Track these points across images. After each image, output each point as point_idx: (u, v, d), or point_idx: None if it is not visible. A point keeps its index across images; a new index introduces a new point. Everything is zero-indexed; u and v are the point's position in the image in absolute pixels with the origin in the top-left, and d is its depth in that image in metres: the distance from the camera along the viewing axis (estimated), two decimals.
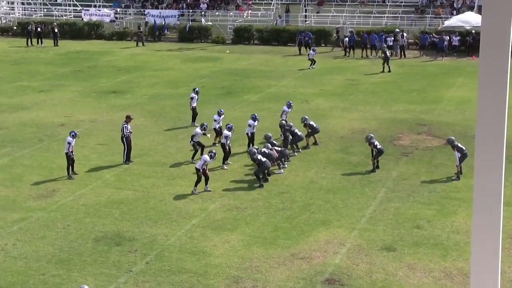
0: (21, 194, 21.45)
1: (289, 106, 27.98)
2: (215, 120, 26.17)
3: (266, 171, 22.38)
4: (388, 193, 21.29)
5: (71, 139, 22.58)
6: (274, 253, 17.27)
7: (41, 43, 53.44)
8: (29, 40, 53.46)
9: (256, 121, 25.70)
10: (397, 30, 47.10)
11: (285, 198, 21.04)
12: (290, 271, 16.31)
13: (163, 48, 51.40)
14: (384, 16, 53.51)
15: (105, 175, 23.00)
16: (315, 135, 26.34)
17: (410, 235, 18.22)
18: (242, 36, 52.43)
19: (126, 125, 24.38)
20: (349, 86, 37.29)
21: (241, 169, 23.79)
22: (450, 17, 50.10)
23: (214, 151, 22.13)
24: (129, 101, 33.81)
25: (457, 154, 22.41)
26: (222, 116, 26.43)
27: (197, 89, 30.08)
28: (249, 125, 25.59)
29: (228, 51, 49.67)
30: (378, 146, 23.37)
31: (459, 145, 22.72)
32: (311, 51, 42.96)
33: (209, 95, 35.40)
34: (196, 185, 21.28)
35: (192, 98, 29.21)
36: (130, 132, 24.42)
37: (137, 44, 52.25)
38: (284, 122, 26.30)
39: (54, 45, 52.51)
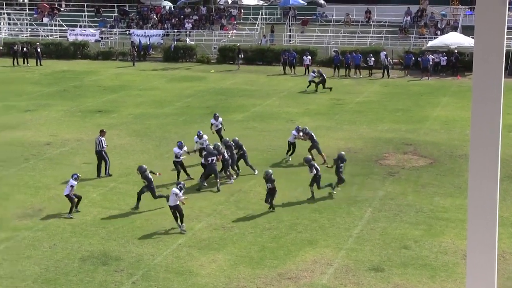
0: (7, 213, 21.32)
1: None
2: (196, 142, 26.22)
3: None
4: (374, 212, 21.35)
5: (74, 182, 21.37)
6: (261, 273, 17.25)
7: (27, 62, 53.31)
8: (15, 60, 53.33)
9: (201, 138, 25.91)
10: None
11: (272, 217, 21.05)
12: None
13: (148, 67, 51.43)
14: (369, 36, 53.91)
15: (91, 194, 22.92)
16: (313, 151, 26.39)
17: (397, 255, 18.27)
18: (227, 55, 52.60)
19: (102, 138, 24.98)
20: (334, 106, 37.47)
21: (227, 188, 23.78)
22: (434, 37, 50.54)
23: (182, 182, 21.06)
24: (115, 120, 33.78)
25: (313, 172, 22.65)
26: (204, 137, 26.20)
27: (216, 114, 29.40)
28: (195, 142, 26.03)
29: (213, 71, 49.78)
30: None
31: (316, 165, 22.96)
32: (311, 73, 42.28)
33: (195, 114, 35.46)
34: (180, 221, 20.06)
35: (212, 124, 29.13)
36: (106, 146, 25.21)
37: (133, 64, 52.35)
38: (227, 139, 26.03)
39: (37, 65, 52.42)
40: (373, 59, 46.34)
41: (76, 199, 21.49)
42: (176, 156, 24.29)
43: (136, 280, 16.87)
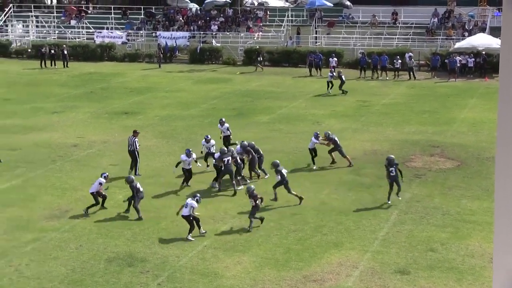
0: (34, 214, 21.51)
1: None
2: (203, 145, 26.11)
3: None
4: (401, 215, 21.20)
5: (103, 180, 21.76)
6: (286, 275, 17.20)
7: (55, 65, 53.83)
8: (43, 62, 53.88)
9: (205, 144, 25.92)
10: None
11: (297, 219, 20.99)
12: None
13: (174, 69, 51.66)
14: (395, 38, 53.60)
15: (117, 196, 23.02)
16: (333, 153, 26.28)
17: (424, 258, 18.11)
18: (253, 57, 52.62)
19: (135, 139, 25.57)
20: (360, 107, 37.31)
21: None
22: (462, 39, 50.11)
23: (198, 195, 20.66)
24: (141, 122, 33.93)
25: (278, 178, 22.40)
26: (212, 141, 26.00)
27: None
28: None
29: (238, 73, 49.85)
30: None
31: (283, 170, 22.66)
32: (329, 73, 42.16)
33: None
34: (190, 232, 19.71)
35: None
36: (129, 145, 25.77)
37: (159, 66, 52.66)
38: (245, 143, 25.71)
39: (64, 67, 52.89)
40: (399, 61, 46.07)
41: (100, 199, 21.68)
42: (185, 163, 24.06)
43: (162, 281, 16.91)
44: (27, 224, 20.70)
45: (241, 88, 43.84)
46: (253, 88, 43.55)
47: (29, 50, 59.69)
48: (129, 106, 38.58)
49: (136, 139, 25.72)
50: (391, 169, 22.24)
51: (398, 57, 46.37)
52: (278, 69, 50.86)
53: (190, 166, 24.02)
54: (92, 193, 21.57)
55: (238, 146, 25.37)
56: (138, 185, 21.68)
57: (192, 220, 19.69)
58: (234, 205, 22.26)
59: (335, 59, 47.62)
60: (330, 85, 41.21)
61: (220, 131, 28.36)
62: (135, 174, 25.15)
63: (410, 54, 46.84)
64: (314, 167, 26.21)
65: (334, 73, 41.78)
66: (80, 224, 20.72)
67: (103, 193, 21.95)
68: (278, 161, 23.39)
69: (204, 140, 26.10)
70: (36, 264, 17.91)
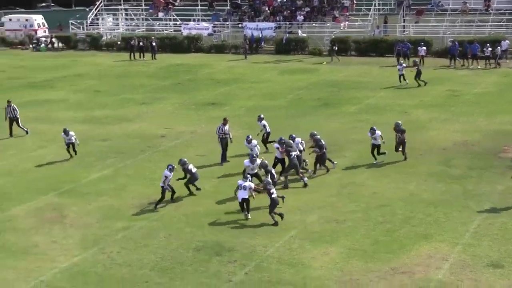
0: (124, 204, 21.99)
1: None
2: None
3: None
4: (493, 207, 20.58)
5: (169, 173, 21.65)
6: (374, 266, 16.98)
7: (143, 57, 54.94)
8: (132, 54, 55.07)
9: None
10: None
11: (385, 211, 20.69)
12: (391, 286, 15.99)
13: (260, 60, 51.81)
14: (487, 25, 52.06)
15: (204, 186, 23.22)
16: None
17: None
18: (339, 47, 52.19)
19: (221, 126, 26.18)
20: (450, 97, 36.42)
21: (339, 181, 23.57)
22: None
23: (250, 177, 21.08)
24: (227, 113, 34.12)
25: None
26: (254, 142, 24.96)
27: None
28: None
29: (325, 63, 49.54)
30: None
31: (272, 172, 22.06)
32: (398, 66, 40.98)
33: (306, 106, 35.39)
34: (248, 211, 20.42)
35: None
36: (225, 134, 25.98)
37: (245, 57, 52.99)
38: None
39: (152, 59, 53.87)
40: (490, 49, 44.76)
41: (171, 192, 21.87)
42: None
43: (249, 271, 16.98)
44: (118, 213, 21.18)
45: (327, 78, 43.56)
46: (339, 78, 43.20)
47: (119, 42, 61.15)
48: (215, 97, 38.94)
49: (226, 127, 26.14)
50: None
51: (488, 45, 45.06)
52: (365, 58, 50.32)
53: (255, 171, 22.88)
54: (162, 187, 21.72)
55: (299, 139, 24.66)
56: (191, 166, 22.39)
57: (244, 204, 20.31)
58: (321, 196, 22.14)
59: (424, 48, 46.70)
60: (402, 78, 40.11)
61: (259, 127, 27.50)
62: (222, 162, 25.75)
63: (507, 41, 45.53)
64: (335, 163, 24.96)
65: (404, 64, 40.76)
66: (168, 214, 21.06)
67: (172, 187, 21.86)
68: (266, 161, 22.66)
69: (245, 141, 24.98)
70: (127, 251, 18.31)
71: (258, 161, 22.72)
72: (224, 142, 26.22)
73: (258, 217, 20.42)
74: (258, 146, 25.15)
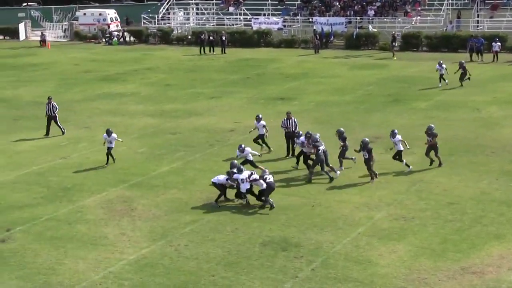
0: (193, 197, 22.21)
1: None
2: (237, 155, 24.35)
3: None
4: None
5: (238, 175, 21.01)
6: (443, 265, 16.69)
7: (213, 51, 55.40)
8: (202, 48, 55.58)
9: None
10: None
11: (455, 209, 20.30)
12: (461, 286, 15.67)
13: (330, 55, 51.58)
14: None
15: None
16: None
17: None
18: (410, 42, 51.41)
19: (285, 120, 26.33)
20: None
21: (408, 178, 23.24)
22: None
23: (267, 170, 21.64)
24: (296, 107, 34.10)
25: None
26: (247, 149, 24.05)
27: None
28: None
29: (395, 58, 48.92)
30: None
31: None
32: (438, 66, 39.04)
33: (376, 102, 35.04)
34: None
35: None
36: (286, 127, 26.17)
37: (315, 52, 52.88)
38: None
39: (222, 53, 54.22)
40: None
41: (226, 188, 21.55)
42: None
43: (315, 267, 16.92)
44: (186, 206, 21.39)
45: (397, 74, 43.03)
46: (410, 74, 42.61)
47: (189, 36, 61.83)
48: (284, 92, 38.93)
49: (285, 120, 26.27)
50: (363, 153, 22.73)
51: None
52: (437, 54, 49.47)
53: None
54: (218, 184, 21.55)
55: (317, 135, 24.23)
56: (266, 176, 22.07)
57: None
58: (389, 192, 21.88)
59: (499, 43, 45.62)
60: (441, 79, 38.76)
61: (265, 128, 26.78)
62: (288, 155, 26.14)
63: None
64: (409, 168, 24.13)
65: (444, 65, 39.20)
66: (235, 208, 21.15)
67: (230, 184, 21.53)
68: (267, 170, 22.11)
69: (237, 150, 24.07)
70: (195, 245, 18.48)
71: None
72: (288, 135, 26.27)
73: (326, 213, 20.33)
74: (250, 154, 24.06)
